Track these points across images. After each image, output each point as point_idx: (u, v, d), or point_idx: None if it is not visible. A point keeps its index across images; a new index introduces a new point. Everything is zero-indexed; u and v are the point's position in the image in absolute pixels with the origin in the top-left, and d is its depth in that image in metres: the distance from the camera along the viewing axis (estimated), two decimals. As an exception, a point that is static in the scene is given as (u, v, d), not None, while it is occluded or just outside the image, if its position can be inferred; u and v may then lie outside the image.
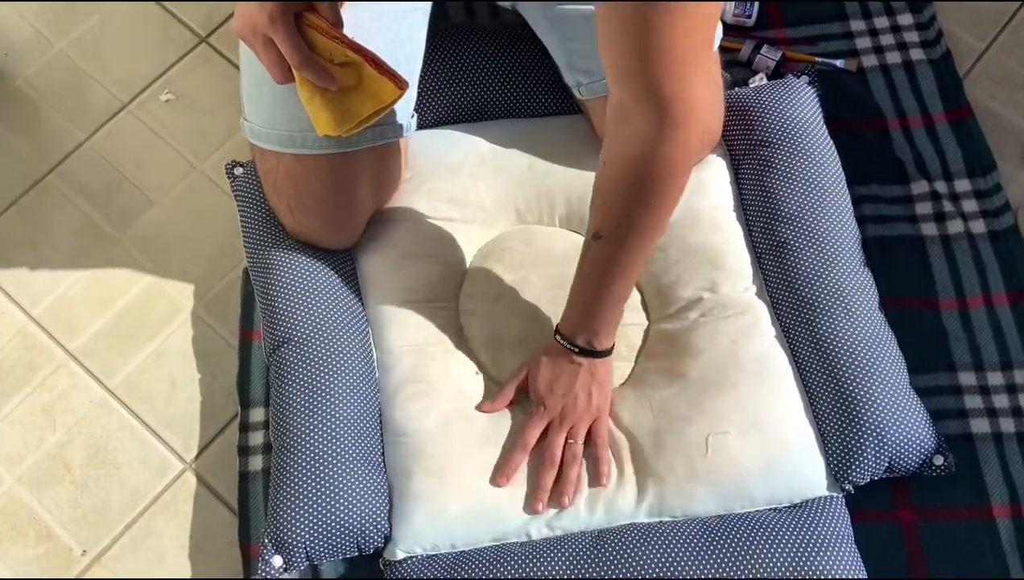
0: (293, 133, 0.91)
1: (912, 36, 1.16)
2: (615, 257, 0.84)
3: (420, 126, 1.06)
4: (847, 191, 1.01)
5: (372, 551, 0.89)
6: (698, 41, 0.74)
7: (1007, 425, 0.96)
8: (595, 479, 0.88)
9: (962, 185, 1.08)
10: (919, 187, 1.07)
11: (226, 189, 1.08)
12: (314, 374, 0.92)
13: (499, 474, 0.88)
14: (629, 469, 0.90)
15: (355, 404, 0.92)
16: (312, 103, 0.82)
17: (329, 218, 0.96)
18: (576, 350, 0.88)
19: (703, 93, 0.77)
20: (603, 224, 0.83)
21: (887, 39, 1.16)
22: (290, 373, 0.92)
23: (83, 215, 1.11)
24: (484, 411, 0.91)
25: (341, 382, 0.92)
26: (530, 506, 0.87)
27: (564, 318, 0.90)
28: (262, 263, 0.98)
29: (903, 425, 0.89)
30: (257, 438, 0.98)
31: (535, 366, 0.90)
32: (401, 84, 0.81)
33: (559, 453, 0.88)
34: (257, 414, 0.99)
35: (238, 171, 1.04)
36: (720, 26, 0.97)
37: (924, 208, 1.07)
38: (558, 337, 0.89)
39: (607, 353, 0.90)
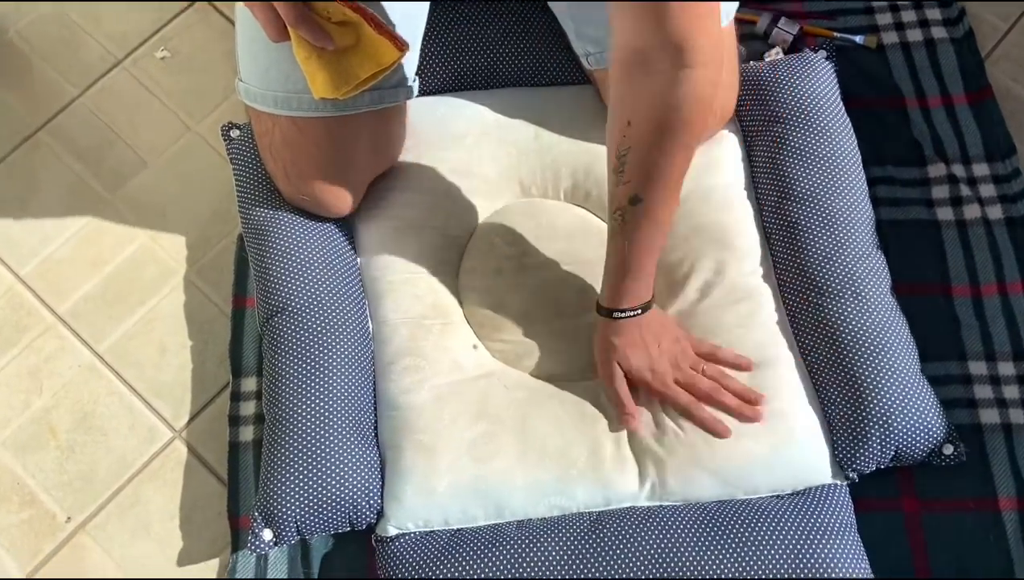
0: (289, 94, 0.88)
1: (934, 14, 1.12)
2: (658, 213, 0.82)
3: (423, 92, 1.02)
4: (862, 172, 0.98)
5: (365, 527, 0.87)
6: None
7: (1017, 416, 0.94)
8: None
9: (980, 169, 1.05)
10: (936, 170, 1.04)
11: (222, 151, 1.04)
12: (308, 346, 0.89)
13: (724, 432, 0.87)
14: (629, 451, 0.88)
15: (350, 377, 0.89)
16: (308, 63, 0.79)
17: (326, 184, 0.93)
18: (640, 312, 0.87)
19: (717, 32, 0.76)
20: (642, 185, 0.80)
21: (908, 16, 1.12)
22: (284, 344, 0.90)
23: (74, 174, 1.08)
24: (634, 429, 0.88)
25: (336, 354, 0.89)
26: (721, 435, 0.87)
27: (615, 293, 0.86)
28: (257, 229, 0.95)
29: (911, 413, 0.87)
30: (249, 408, 0.96)
31: (624, 359, 0.88)
32: (401, 45, 0.78)
33: (705, 385, 0.88)
34: (249, 383, 0.97)
35: (234, 133, 1.01)
36: (737, -4, 0.94)
37: (940, 192, 1.04)
38: (618, 313, 0.87)
39: (653, 298, 0.89)
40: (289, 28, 0.76)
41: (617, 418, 0.88)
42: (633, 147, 0.79)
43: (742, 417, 0.87)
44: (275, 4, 0.74)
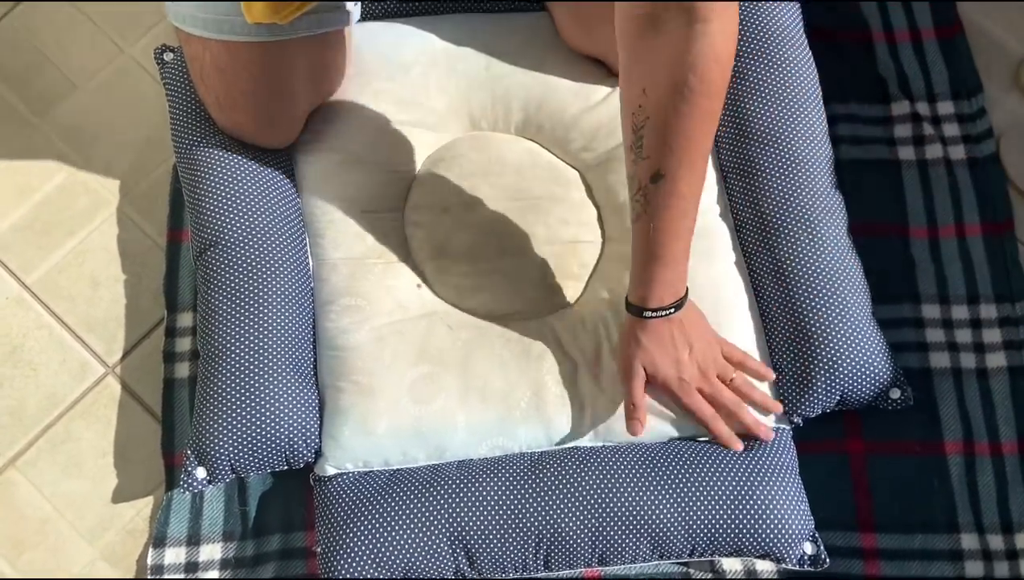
0: (220, 17, 0.82)
1: (906, -57, 1.08)
2: (683, 189, 0.74)
3: (368, 17, 0.98)
4: (823, 109, 0.95)
5: (302, 465, 0.86)
6: None
7: (968, 360, 0.93)
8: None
9: (945, 107, 1.02)
10: (900, 108, 1.01)
11: (157, 75, 0.99)
12: (242, 281, 0.86)
13: (738, 447, 0.83)
14: (574, 390, 0.86)
15: (286, 314, 0.86)
16: None
17: (261, 114, 0.88)
18: (672, 311, 0.80)
19: None
20: (663, 158, 0.73)
21: (878, -55, 1.08)
22: (217, 278, 0.87)
23: (-1, 97, 1.03)
24: (639, 434, 0.82)
25: (271, 290, 0.86)
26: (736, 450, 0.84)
27: (645, 286, 0.79)
28: (191, 159, 0.91)
29: (858, 358, 0.85)
30: (184, 344, 0.93)
31: (650, 363, 0.81)
32: None
33: (729, 398, 0.83)
34: (185, 319, 0.94)
35: (168, 57, 0.96)
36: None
37: (903, 130, 1.01)
38: (648, 313, 0.80)
39: (687, 292, 0.82)
40: None
41: (626, 419, 0.82)
42: (651, 117, 0.72)
43: (756, 435, 0.83)
44: None
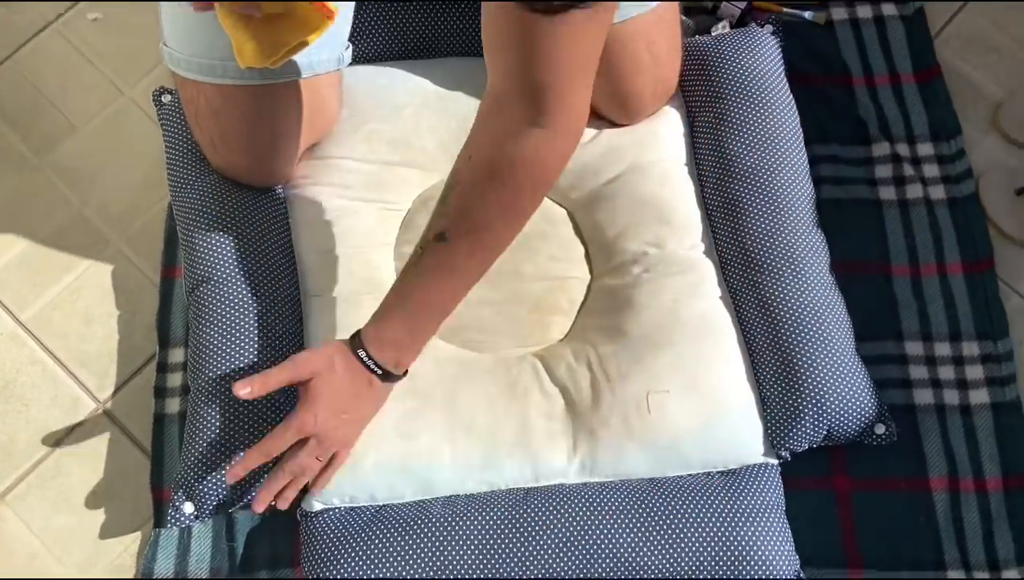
0: (214, 61, 0.85)
1: (885, -10, 1.11)
2: (459, 263, 0.75)
3: (361, 61, 1.00)
4: (804, 149, 0.97)
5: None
6: (581, 57, 0.70)
7: (951, 397, 0.94)
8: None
9: (925, 149, 1.04)
10: (880, 149, 1.04)
11: (155, 117, 1.02)
12: (233, 316, 0.87)
13: (231, 473, 0.79)
14: (560, 425, 0.86)
15: (276, 350, 0.87)
16: (235, 32, 0.77)
17: (253, 154, 0.90)
18: (380, 373, 0.78)
19: (584, 106, 0.73)
20: (455, 224, 0.74)
21: (859, -8, 1.11)
22: (208, 314, 0.88)
23: (1, 138, 1.05)
24: (239, 394, 0.76)
25: (262, 326, 0.88)
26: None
27: (378, 331, 0.77)
28: (185, 197, 0.93)
29: (844, 392, 0.86)
30: (175, 379, 0.94)
31: (328, 375, 0.77)
32: (329, 13, 0.76)
33: (302, 462, 0.79)
34: (176, 354, 0.95)
35: (166, 99, 0.99)
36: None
37: (884, 171, 1.03)
38: (362, 352, 0.77)
39: (405, 374, 0.81)
40: None
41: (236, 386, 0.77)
42: (462, 182, 0.74)
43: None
44: None
